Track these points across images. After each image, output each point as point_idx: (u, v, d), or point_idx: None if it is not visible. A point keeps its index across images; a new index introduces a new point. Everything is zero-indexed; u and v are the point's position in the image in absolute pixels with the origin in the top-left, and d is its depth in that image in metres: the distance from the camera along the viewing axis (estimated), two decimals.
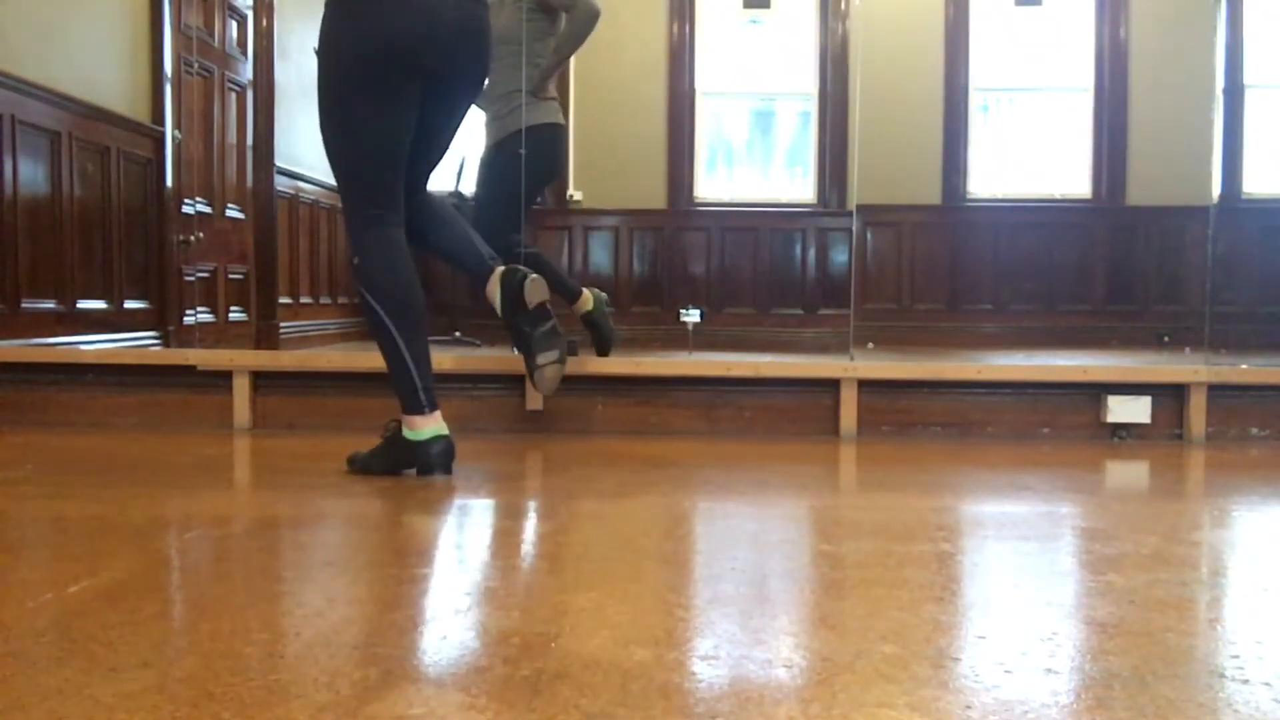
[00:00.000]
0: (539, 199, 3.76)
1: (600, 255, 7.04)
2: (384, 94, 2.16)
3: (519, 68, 3.45)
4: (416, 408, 2.19)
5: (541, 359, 2.35)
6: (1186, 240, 6.72)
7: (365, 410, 3.00)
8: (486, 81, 2.40)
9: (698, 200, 7.12)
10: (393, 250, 2.22)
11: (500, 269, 2.34)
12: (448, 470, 2.22)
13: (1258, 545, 1.80)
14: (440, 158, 2.40)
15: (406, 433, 2.21)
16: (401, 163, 2.23)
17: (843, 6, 6.99)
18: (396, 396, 2.22)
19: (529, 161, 3.46)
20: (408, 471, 2.21)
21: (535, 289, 2.31)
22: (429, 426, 2.20)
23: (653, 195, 7.03)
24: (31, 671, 1.04)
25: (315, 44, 2.24)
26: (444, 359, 3.26)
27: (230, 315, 5.26)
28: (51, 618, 1.22)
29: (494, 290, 2.32)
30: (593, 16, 3.41)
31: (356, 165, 2.21)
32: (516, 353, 3.66)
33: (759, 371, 3.09)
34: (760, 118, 7.31)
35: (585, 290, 3.59)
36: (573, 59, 3.53)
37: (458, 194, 5.29)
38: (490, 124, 3.60)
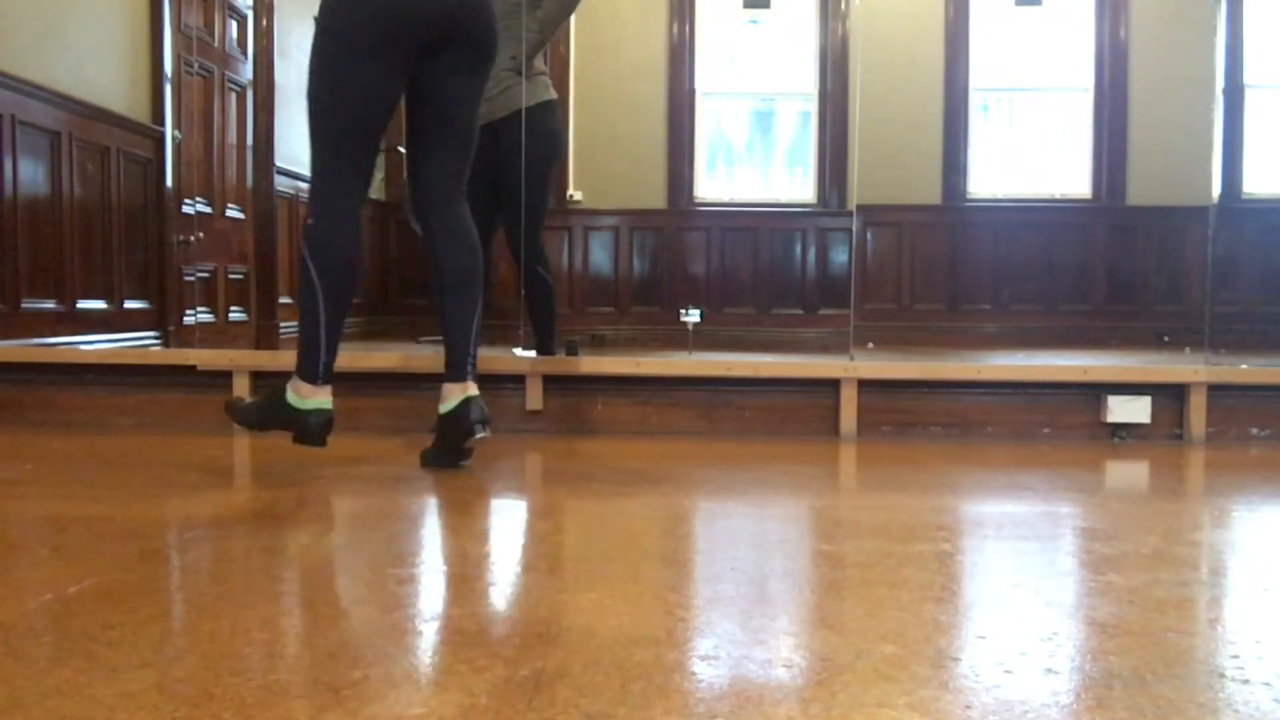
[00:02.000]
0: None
1: (600, 255, 7.04)
2: (369, 63, 2.15)
3: (507, 45, 3.32)
4: (312, 375, 2.21)
5: (478, 429, 2.29)
6: (1186, 240, 6.72)
7: (365, 410, 3.00)
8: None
9: (698, 200, 7.12)
10: (345, 223, 2.21)
11: (471, 392, 2.29)
12: (322, 442, 2.24)
13: (1258, 545, 1.80)
14: (461, 143, 2.31)
15: (291, 397, 2.22)
16: (372, 134, 2.22)
17: (843, 6, 6.99)
18: (297, 358, 2.23)
19: (534, 144, 3.37)
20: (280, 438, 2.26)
21: (479, 440, 2.30)
22: (316, 398, 2.21)
23: (653, 195, 7.03)
24: (31, 671, 1.04)
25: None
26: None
27: (230, 315, 5.26)
28: (51, 618, 1.22)
29: (451, 397, 2.28)
30: None
31: (327, 129, 2.21)
32: (521, 351, 3.68)
33: (759, 371, 3.09)
34: (760, 118, 7.31)
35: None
36: (572, 58, 3.52)
37: None
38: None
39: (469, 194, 2.66)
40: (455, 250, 2.30)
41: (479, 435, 2.27)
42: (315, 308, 2.19)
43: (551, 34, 3.47)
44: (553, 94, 3.51)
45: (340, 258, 2.20)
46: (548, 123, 3.45)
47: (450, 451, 2.32)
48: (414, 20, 2.15)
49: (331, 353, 2.22)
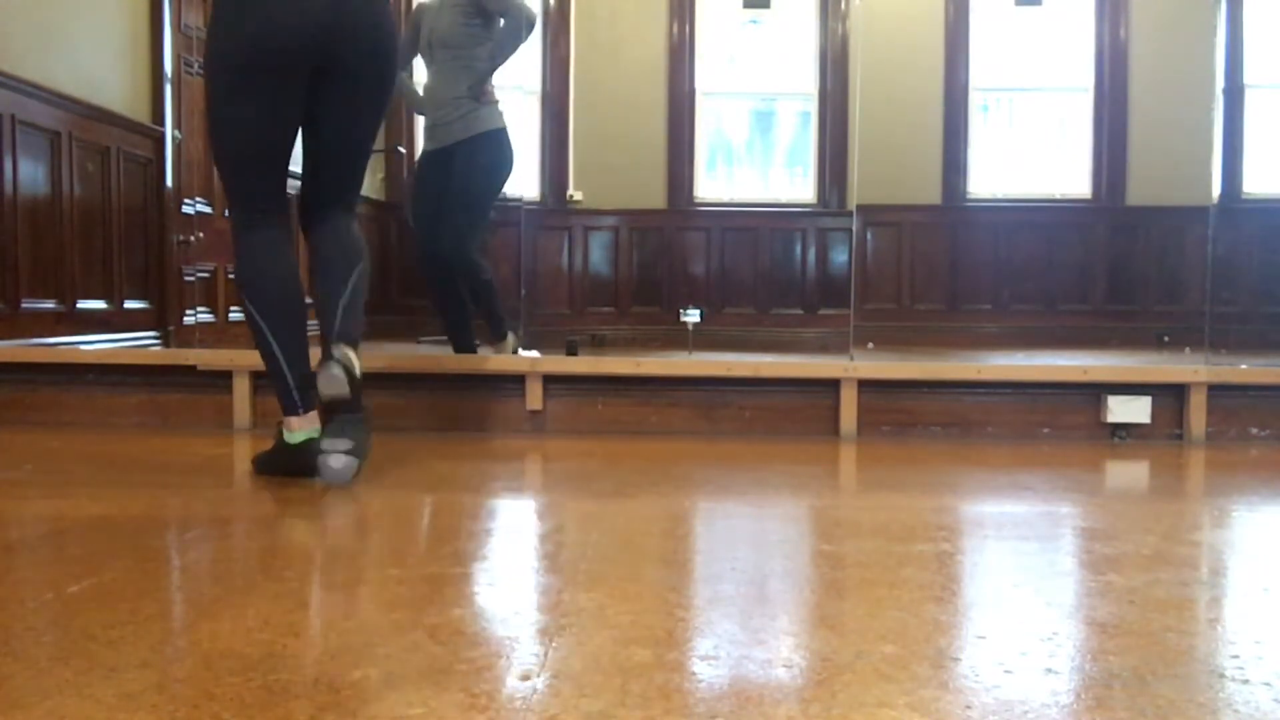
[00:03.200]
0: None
1: (600, 255, 7.04)
2: (250, 95, 2.13)
3: (461, 73, 3.46)
4: (291, 408, 2.18)
5: (326, 444, 2.14)
6: (1186, 240, 6.72)
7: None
8: (402, 81, 2.31)
9: (698, 200, 7.12)
10: (265, 249, 2.21)
11: (328, 361, 2.18)
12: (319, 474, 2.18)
13: (1258, 545, 1.80)
14: (348, 167, 2.31)
15: (285, 435, 2.20)
16: (274, 166, 2.21)
17: (843, 6, 6.99)
18: (276, 398, 2.21)
19: (492, 168, 3.51)
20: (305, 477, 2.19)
21: (328, 383, 2.14)
22: (303, 429, 2.18)
23: (653, 195, 7.03)
24: (31, 671, 1.04)
25: None
26: (444, 359, 3.27)
27: (230, 315, 5.26)
28: (51, 618, 1.22)
29: (330, 378, 2.16)
30: (530, 23, 3.50)
31: (229, 168, 2.21)
32: (522, 351, 3.69)
33: (759, 371, 3.09)
34: (760, 118, 7.31)
35: (510, 335, 3.66)
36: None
37: None
38: (434, 129, 3.57)
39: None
40: (323, 258, 2.28)
41: (333, 392, 2.13)
42: (267, 341, 2.18)
43: (502, 63, 3.53)
44: (503, 123, 3.57)
45: (269, 281, 2.19)
46: (507, 149, 3.56)
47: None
48: (277, 49, 2.11)
49: (300, 377, 2.18)
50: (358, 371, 2.14)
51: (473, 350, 3.52)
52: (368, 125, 2.30)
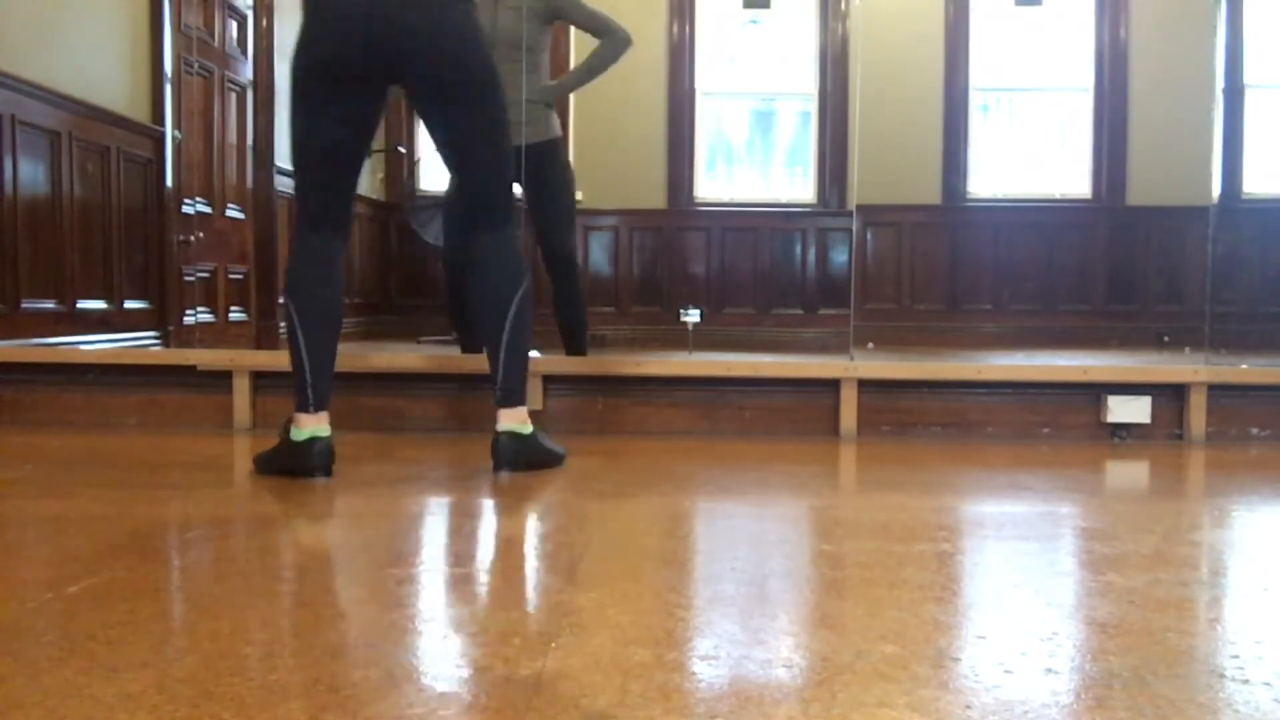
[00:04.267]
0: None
1: (600, 255, 7.04)
2: (308, 108, 2.22)
3: (529, 74, 3.46)
4: (303, 405, 2.22)
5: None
6: (1186, 240, 6.72)
7: (365, 410, 3.00)
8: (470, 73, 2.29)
9: (698, 200, 7.12)
10: (312, 257, 2.27)
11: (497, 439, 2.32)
12: (326, 472, 2.21)
13: (1258, 545, 1.80)
14: (470, 173, 2.36)
15: (292, 431, 2.23)
16: (327, 177, 2.27)
17: (843, 6, 6.99)
18: (294, 394, 2.26)
19: (568, 167, 3.61)
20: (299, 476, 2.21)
21: (499, 462, 2.30)
22: (309, 426, 2.21)
23: (653, 195, 7.03)
24: (31, 671, 1.04)
25: None
26: (444, 359, 3.27)
27: (230, 315, 5.26)
28: (51, 618, 1.22)
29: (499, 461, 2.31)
30: (627, 42, 3.52)
31: (297, 179, 2.31)
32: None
33: (759, 371, 3.09)
34: (760, 118, 7.31)
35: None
36: (572, 58, 3.61)
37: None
38: None
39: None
40: (478, 278, 2.35)
41: (502, 475, 2.28)
42: (297, 342, 2.24)
43: (593, 80, 3.61)
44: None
45: (307, 284, 2.25)
46: (566, 155, 3.65)
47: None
48: (326, 60, 2.17)
49: (319, 378, 2.23)
50: (525, 444, 2.30)
51: (478, 351, 3.51)
52: (469, 129, 2.31)
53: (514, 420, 2.31)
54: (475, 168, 2.36)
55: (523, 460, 2.30)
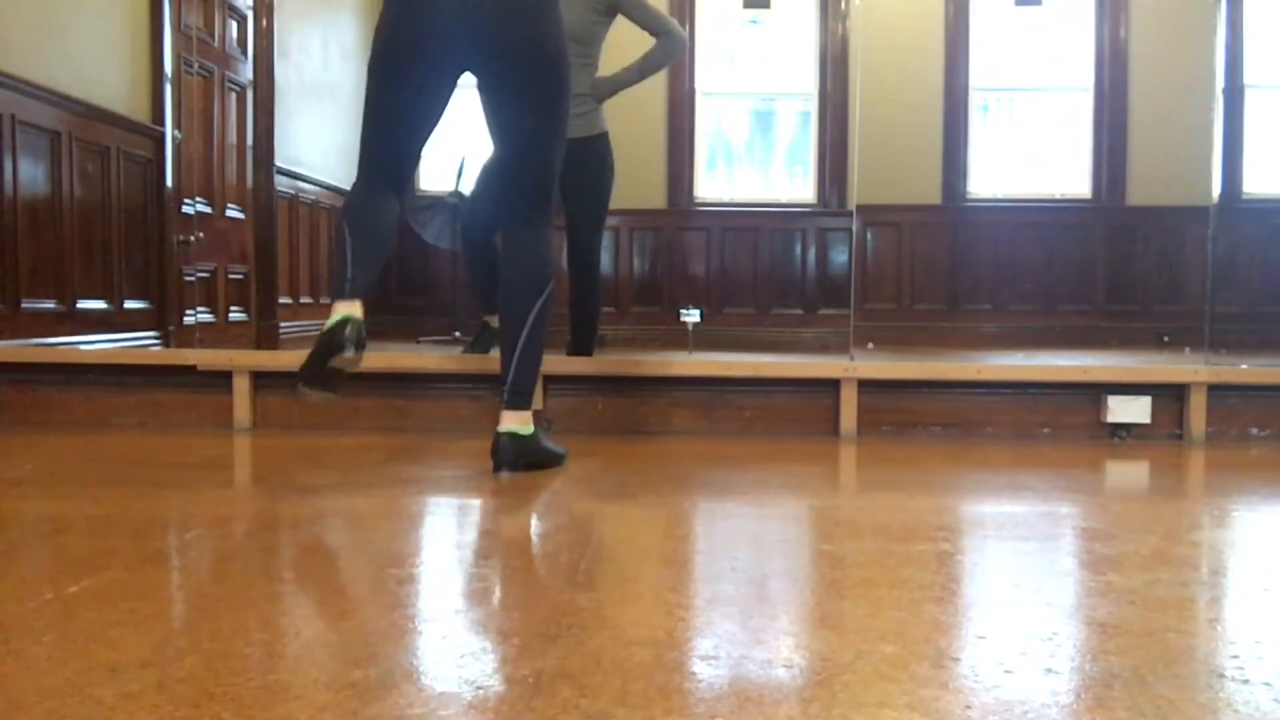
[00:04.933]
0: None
1: (600, 255, 7.03)
2: (379, 80, 2.28)
3: (586, 68, 3.43)
4: (338, 293, 2.22)
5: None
6: (1186, 240, 6.72)
7: (365, 410, 3.00)
8: (544, 51, 2.28)
9: (698, 200, 7.12)
10: (361, 195, 2.32)
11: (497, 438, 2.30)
12: (359, 346, 2.17)
13: (1258, 545, 1.80)
14: (513, 169, 2.36)
15: (325, 325, 2.21)
16: (391, 144, 2.32)
17: (843, 6, 6.99)
18: (331, 288, 2.30)
19: (612, 166, 3.56)
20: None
21: (497, 462, 2.29)
22: (341, 311, 2.19)
23: (653, 195, 7.03)
24: (31, 671, 1.04)
25: None
26: (444, 359, 3.27)
27: (230, 315, 5.26)
28: (51, 618, 1.22)
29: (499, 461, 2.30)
30: (683, 45, 3.53)
31: (361, 136, 2.35)
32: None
33: (759, 371, 3.09)
34: (760, 118, 7.31)
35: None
36: (599, 55, 3.58)
37: (457, 194, 5.29)
38: None
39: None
40: (508, 272, 2.36)
41: (501, 476, 2.27)
42: (344, 245, 2.26)
43: (648, 77, 3.60)
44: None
45: (365, 214, 2.29)
46: (611, 150, 3.60)
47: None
48: (410, 35, 2.22)
49: (360, 274, 2.23)
50: (526, 446, 2.29)
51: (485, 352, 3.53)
52: (532, 129, 2.31)
53: (516, 422, 2.30)
54: (525, 165, 2.35)
55: (523, 461, 2.30)
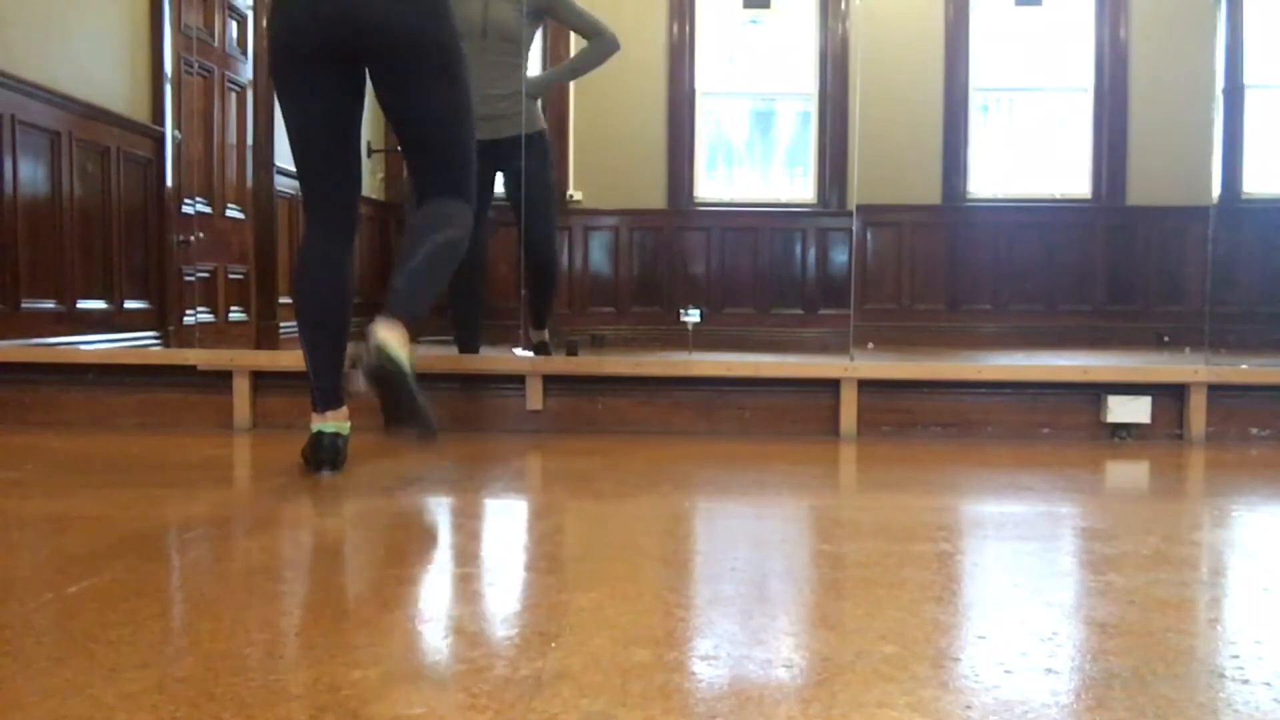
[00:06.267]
0: None
1: (600, 255, 7.04)
2: (280, 91, 2.20)
3: (517, 69, 3.53)
4: (313, 404, 2.24)
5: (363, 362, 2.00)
6: (1186, 240, 6.72)
7: (364, 410, 2.99)
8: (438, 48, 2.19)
9: (698, 200, 7.12)
10: (305, 254, 2.26)
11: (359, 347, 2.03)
12: (332, 466, 2.21)
13: (1258, 545, 1.80)
14: (423, 152, 2.25)
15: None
16: (319, 166, 2.22)
17: (843, 6, 6.99)
18: None
19: (552, 162, 3.68)
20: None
21: (351, 380, 2.08)
22: (316, 424, 2.23)
23: (653, 195, 7.03)
24: (31, 671, 1.04)
25: None
26: (444, 359, 3.27)
27: (230, 315, 5.26)
28: (51, 618, 1.22)
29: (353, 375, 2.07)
30: (616, 45, 3.60)
31: (297, 171, 2.28)
32: (521, 351, 3.74)
33: (759, 371, 3.09)
34: (760, 118, 7.31)
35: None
36: (528, 56, 3.69)
37: None
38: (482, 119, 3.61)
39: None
40: (406, 228, 2.28)
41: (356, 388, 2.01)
42: (303, 339, 2.25)
43: (578, 77, 3.78)
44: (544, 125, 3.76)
45: (301, 286, 2.24)
46: (551, 146, 3.75)
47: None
48: (293, 38, 2.15)
49: (323, 377, 2.22)
50: (395, 360, 1.92)
51: (475, 351, 3.53)
52: (424, 104, 2.20)
53: (393, 336, 1.94)
54: (442, 148, 2.24)
55: (388, 389, 1.92)
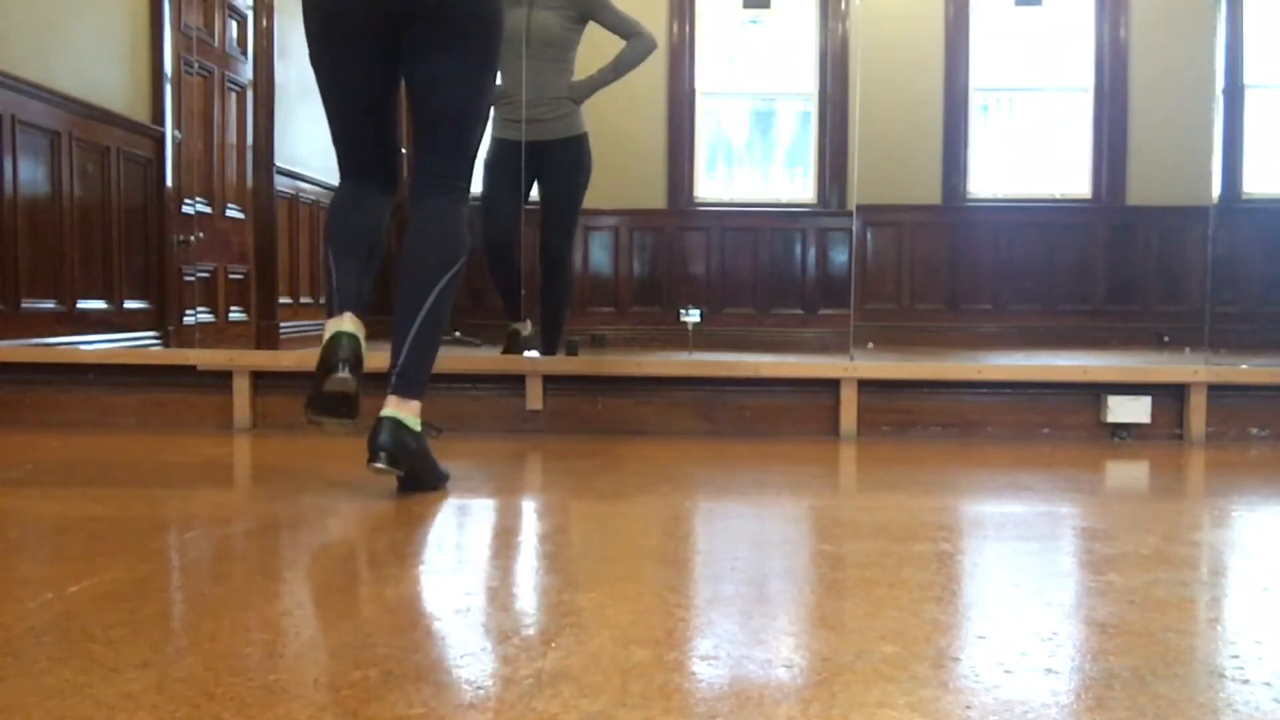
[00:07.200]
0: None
1: (600, 255, 7.03)
2: (319, 61, 2.17)
3: (563, 73, 3.66)
4: (330, 311, 2.13)
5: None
6: (1186, 240, 6.72)
7: (364, 410, 2.99)
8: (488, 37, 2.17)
9: (698, 200, 7.12)
10: (343, 196, 2.24)
11: (391, 412, 2.03)
12: (350, 364, 2.05)
13: (1258, 545, 1.80)
14: (436, 136, 2.21)
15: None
16: (351, 129, 2.21)
17: (843, 6, 6.99)
18: None
19: (589, 167, 3.77)
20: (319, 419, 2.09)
21: (372, 455, 2.01)
22: (333, 327, 2.09)
23: (653, 195, 7.03)
24: (31, 671, 1.04)
25: None
26: (443, 359, 3.26)
27: (230, 315, 5.26)
28: (51, 618, 1.22)
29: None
30: (653, 44, 3.71)
31: (331, 135, 2.25)
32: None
33: (759, 371, 3.09)
34: (760, 118, 7.31)
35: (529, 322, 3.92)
36: (575, 60, 3.75)
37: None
38: (525, 123, 3.67)
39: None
40: (412, 240, 2.22)
41: (377, 465, 1.99)
42: (327, 258, 2.19)
43: (617, 79, 3.76)
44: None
45: (334, 216, 2.21)
46: (590, 151, 3.80)
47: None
48: (337, 4, 2.11)
49: (346, 283, 2.13)
50: (410, 439, 2.00)
51: (520, 319, 3.77)
52: (453, 88, 2.16)
53: (402, 409, 2.02)
54: (449, 128, 2.20)
55: (403, 459, 2.00)
